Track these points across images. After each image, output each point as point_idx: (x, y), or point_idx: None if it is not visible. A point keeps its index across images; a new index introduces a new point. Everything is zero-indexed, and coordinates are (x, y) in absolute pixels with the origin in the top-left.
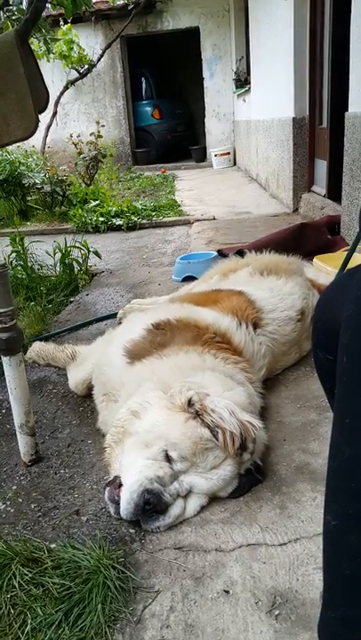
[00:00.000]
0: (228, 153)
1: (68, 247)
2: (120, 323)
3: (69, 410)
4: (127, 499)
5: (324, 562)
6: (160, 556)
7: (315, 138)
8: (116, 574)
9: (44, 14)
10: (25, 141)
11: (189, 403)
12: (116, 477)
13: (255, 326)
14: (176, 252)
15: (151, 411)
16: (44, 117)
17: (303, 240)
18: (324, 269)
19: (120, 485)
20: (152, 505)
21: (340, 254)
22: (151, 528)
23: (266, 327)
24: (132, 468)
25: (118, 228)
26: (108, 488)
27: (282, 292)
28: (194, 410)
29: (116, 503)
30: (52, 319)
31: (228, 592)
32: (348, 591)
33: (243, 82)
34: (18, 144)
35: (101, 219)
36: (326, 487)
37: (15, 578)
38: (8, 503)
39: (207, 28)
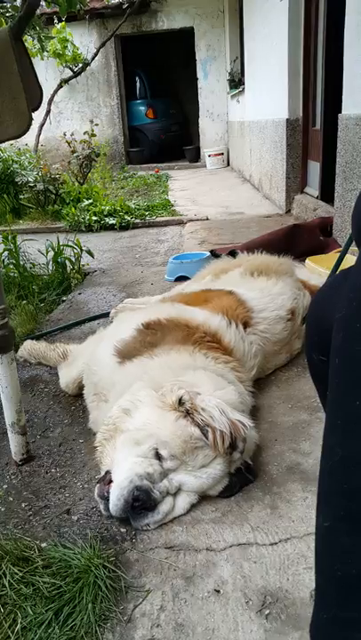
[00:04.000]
0: (222, 153)
1: (61, 246)
2: (112, 322)
3: (61, 409)
4: (117, 495)
5: (316, 563)
6: (151, 556)
7: (308, 139)
8: (107, 573)
9: (38, 12)
10: (18, 139)
11: (180, 401)
12: (107, 473)
13: (245, 325)
14: (169, 252)
15: (142, 409)
16: (38, 115)
17: (296, 241)
18: (316, 270)
19: (110, 482)
20: (141, 501)
21: (333, 256)
22: (140, 525)
23: (256, 326)
24: (123, 465)
25: (111, 228)
26: (98, 485)
27: (272, 293)
28: (184, 408)
29: (106, 499)
30: (44, 318)
31: (218, 591)
32: (339, 592)
33: (237, 82)
34: (11, 142)
35: (94, 218)
36: (318, 488)
37: (5, 577)
38: None
39: (202, 29)
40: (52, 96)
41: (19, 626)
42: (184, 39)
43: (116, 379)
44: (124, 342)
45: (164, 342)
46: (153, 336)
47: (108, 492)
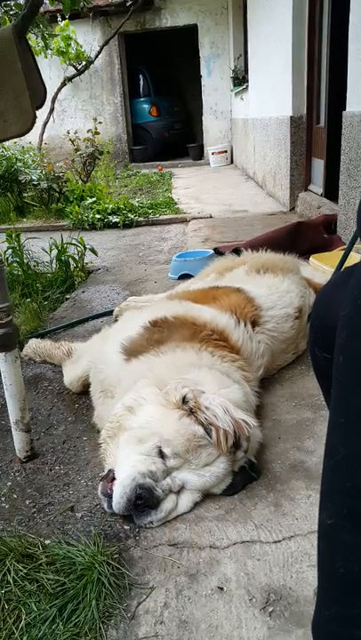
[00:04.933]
0: (226, 151)
1: (65, 244)
2: (116, 320)
3: (65, 407)
4: (120, 493)
5: (319, 560)
6: (154, 553)
7: (312, 137)
8: (111, 570)
9: (41, 10)
10: (21, 137)
11: (184, 400)
12: (110, 471)
13: (254, 324)
14: (172, 250)
15: (146, 407)
16: (41, 114)
17: (300, 239)
18: (320, 268)
19: (113, 479)
20: (144, 499)
21: (337, 253)
22: (143, 523)
23: (265, 325)
24: (126, 463)
25: (115, 226)
26: (101, 482)
27: (280, 290)
28: (188, 407)
29: (109, 497)
30: (48, 316)
31: (222, 589)
32: (342, 590)
33: (240, 80)
34: (14, 140)
35: (98, 216)
36: (321, 486)
37: (10, 573)
38: (3, 499)
39: (205, 26)
40: (56, 94)
41: (23, 622)
42: (188, 36)
43: (122, 376)
44: (130, 339)
45: (170, 340)
46: (160, 333)
47: (111, 490)
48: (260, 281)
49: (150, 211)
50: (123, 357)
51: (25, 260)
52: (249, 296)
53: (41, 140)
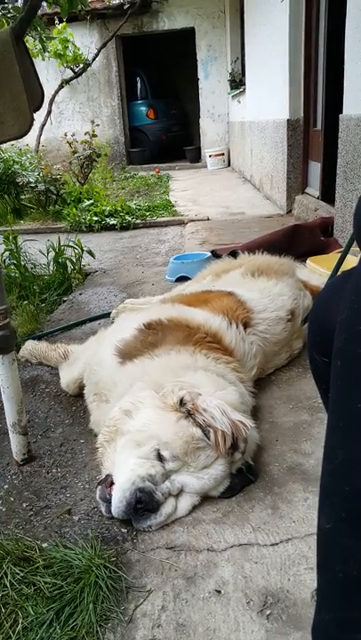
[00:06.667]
0: (223, 154)
1: (62, 246)
2: (113, 322)
3: (62, 409)
4: (119, 497)
5: (318, 564)
6: (152, 556)
7: (309, 140)
8: (108, 574)
9: (39, 12)
10: (19, 140)
11: (181, 402)
12: (108, 476)
13: (246, 326)
14: (170, 252)
15: (143, 410)
16: (39, 116)
17: (296, 241)
18: (317, 271)
19: (112, 484)
20: (144, 503)
21: (333, 256)
22: (143, 527)
23: (256, 327)
24: (125, 467)
25: (112, 228)
26: (99, 487)
27: (272, 293)
28: (186, 409)
29: (108, 502)
30: (45, 318)
31: (219, 592)
32: (341, 593)
33: (238, 83)
34: (12, 142)
35: (95, 218)
36: (320, 490)
37: (6, 577)
38: (0, 502)
39: (203, 29)
40: (53, 96)
41: (20, 626)
42: (185, 39)
43: (117, 379)
44: (125, 342)
45: (164, 342)
46: (154, 336)
47: (110, 495)
48: (253, 284)
49: (148, 213)
50: (117, 360)
51: (22, 263)
52: (240, 299)
53: (38, 143)
